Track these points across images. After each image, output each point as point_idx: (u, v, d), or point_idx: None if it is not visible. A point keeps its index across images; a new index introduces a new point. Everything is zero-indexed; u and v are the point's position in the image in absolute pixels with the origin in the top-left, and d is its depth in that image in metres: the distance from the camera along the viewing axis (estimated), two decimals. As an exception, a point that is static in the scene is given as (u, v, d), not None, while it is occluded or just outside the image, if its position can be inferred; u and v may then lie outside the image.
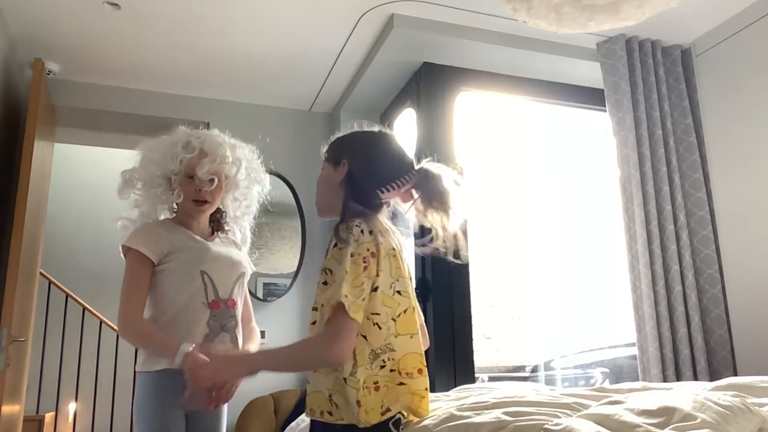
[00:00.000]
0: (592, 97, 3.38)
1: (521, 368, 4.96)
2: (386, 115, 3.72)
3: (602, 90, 3.14)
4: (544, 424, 1.25)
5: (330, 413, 1.38)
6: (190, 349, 1.71)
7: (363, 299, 1.35)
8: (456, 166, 1.55)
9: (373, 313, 1.38)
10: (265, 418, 3.08)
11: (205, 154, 1.94)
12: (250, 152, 2.12)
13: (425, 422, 1.37)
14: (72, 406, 4.79)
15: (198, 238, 1.99)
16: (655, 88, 3.13)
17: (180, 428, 1.83)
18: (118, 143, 3.94)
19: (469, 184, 3.10)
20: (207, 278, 1.90)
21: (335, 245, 1.41)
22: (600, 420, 1.26)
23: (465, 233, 1.54)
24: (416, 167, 1.55)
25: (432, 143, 3.07)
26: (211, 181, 1.95)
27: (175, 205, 2.04)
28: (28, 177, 2.69)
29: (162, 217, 2.05)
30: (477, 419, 1.32)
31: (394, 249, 1.45)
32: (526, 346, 5.12)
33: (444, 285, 2.91)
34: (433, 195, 1.48)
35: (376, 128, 1.62)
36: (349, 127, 1.64)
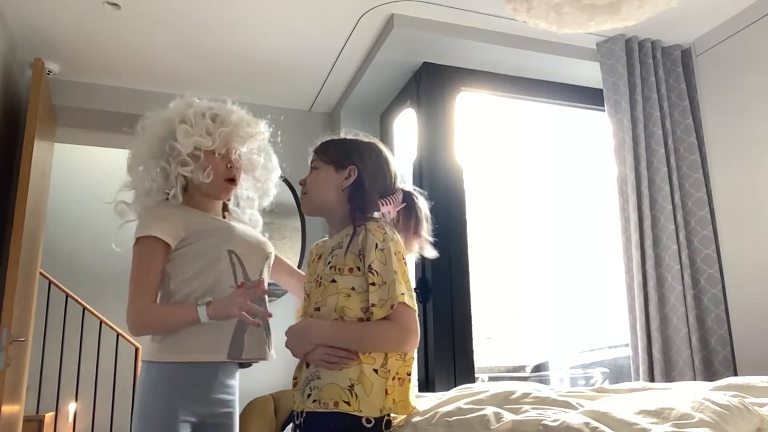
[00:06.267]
0: (592, 97, 3.38)
1: (521, 368, 4.96)
2: (386, 115, 3.72)
3: (602, 90, 3.14)
4: (543, 420, 1.25)
5: (348, 403, 1.37)
6: (209, 299, 1.59)
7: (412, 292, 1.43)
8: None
9: None
10: (265, 418, 3.08)
11: (237, 129, 1.84)
12: (265, 126, 1.95)
13: (417, 419, 1.39)
14: (72, 406, 4.79)
15: (218, 218, 1.82)
16: (655, 88, 3.13)
17: None
18: (119, 143, 3.93)
19: (470, 184, 3.11)
20: (236, 258, 1.72)
21: (359, 247, 1.45)
22: (598, 417, 1.26)
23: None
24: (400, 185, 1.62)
25: (432, 143, 3.07)
26: (244, 158, 1.84)
27: (178, 189, 1.80)
28: (28, 177, 2.69)
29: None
30: (474, 415, 1.32)
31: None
32: (527, 346, 5.11)
33: (444, 285, 2.91)
34: (417, 218, 1.57)
35: (373, 139, 1.66)
36: (345, 131, 1.66)
